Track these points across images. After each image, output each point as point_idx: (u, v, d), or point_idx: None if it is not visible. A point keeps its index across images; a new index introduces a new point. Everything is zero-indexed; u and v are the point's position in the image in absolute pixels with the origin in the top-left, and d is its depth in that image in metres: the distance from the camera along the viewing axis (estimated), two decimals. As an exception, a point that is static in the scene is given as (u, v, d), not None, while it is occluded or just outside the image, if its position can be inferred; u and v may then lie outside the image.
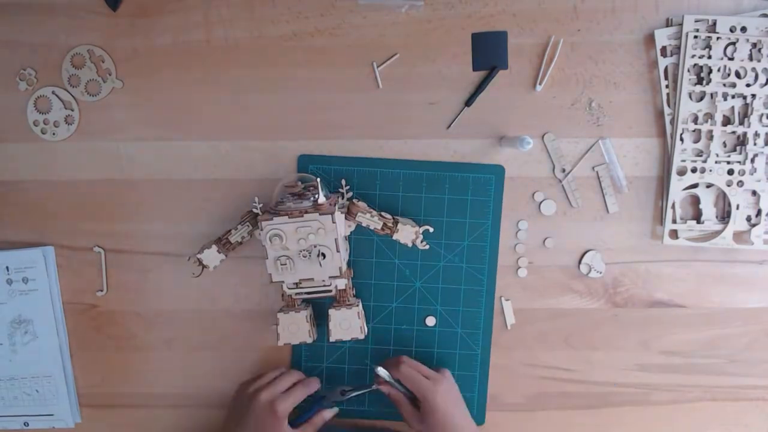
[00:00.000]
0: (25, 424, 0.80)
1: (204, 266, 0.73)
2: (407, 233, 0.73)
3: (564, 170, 0.76)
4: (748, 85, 0.73)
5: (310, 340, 0.73)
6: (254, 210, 0.70)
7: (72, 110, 0.76)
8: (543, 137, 0.75)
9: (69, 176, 0.77)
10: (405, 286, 0.77)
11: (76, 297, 0.78)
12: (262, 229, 0.66)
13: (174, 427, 0.80)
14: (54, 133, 0.76)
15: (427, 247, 0.74)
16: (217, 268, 0.74)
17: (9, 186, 0.77)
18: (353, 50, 0.74)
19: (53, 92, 0.75)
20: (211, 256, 0.73)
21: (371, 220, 0.72)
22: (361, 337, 0.73)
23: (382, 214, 0.73)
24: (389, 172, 0.75)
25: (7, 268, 0.77)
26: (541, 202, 0.76)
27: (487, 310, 0.77)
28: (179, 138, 0.76)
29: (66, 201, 0.77)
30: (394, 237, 0.73)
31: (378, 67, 0.74)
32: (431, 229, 0.74)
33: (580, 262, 0.76)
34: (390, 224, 0.72)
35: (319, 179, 0.68)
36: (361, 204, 0.73)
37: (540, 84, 0.74)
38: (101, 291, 0.78)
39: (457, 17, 0.74)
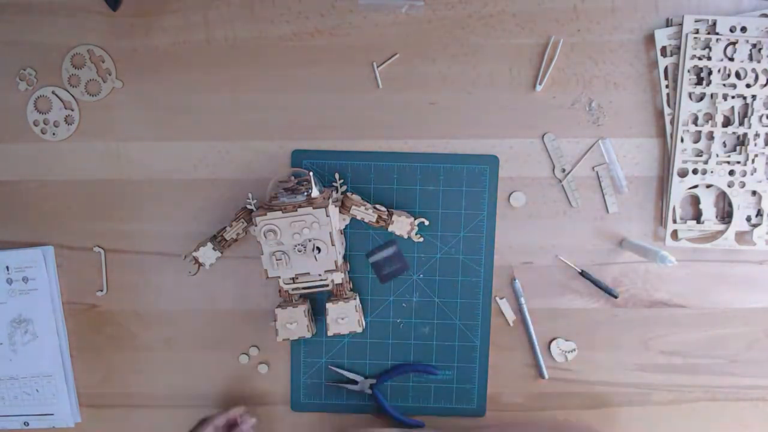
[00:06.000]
0: (25, 424, 0.80)
1: (200, 264, 0.74)
2: (402, 225, 0.73)
3: (564, 170, 0.76)
4: (748, 86, 0.73)
5: (308, 335, 0.73)
6: (248, 206, 0.70)
7: (72, 110, 0.76)
8: (543, 137, 0.75)
9: (69, 176, 0.77)
10: (402, 278, 0.77)
11: (76, 297, 0.78)
12: (256, 225, 0.66)
13: (174, 427, 0.80)
14: (54, 133, 0.76)
15: (422, 239, 0.74)
16: (214, 266, 0.74)
17: (9, 186, 0.77)
18: (353, 50, 0.74)
19: (53, 92, 0.75)
20: (207, 254, 0.73)
21: (366, 213, 0.72)
22: (359, 330, 0.73)
23: (377, 206, 0.73)
24: (383, 165, 0.75)
25: (7, 267, 0.77)
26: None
27: (485, 301, 0.77)
28: (179, 138, 0.76)
29: (66, 201, 0.77)
30: (390, 229, 0.73)
31: (378, 67, 0.74)
32: (426, 222, 0.74)
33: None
34: (384, 216, 0.73)
35: (311, 173, 0.68)
36: (355, 197, 0.73)
37: (540, 84, 0.74)
38: (101, 291, 0.78)
39: (457, 17, 0.74)
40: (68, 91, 0.75)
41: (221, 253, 0.74)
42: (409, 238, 0.74)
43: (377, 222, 0.73)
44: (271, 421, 0.80)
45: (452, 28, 0.74)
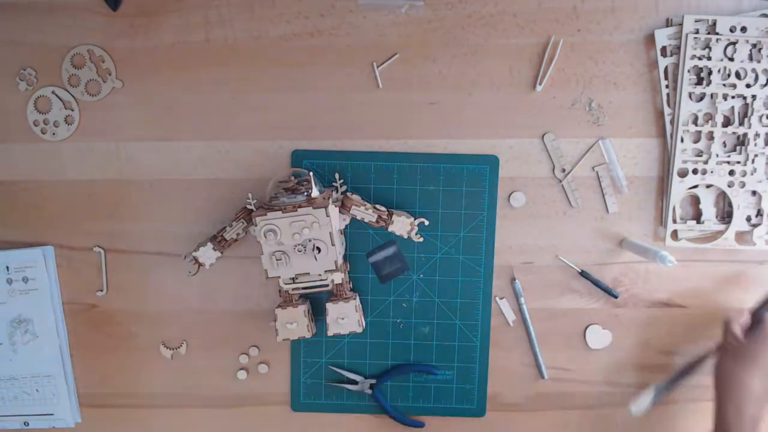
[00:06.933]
0: (25, 424, 0.80)
1: (200, 264, 0.74)
2: (402, 225, 0.73)
3: (564, 170, 0.76)
4: (748, 86, 0.73)
5: (308, 335, 0.73)
6: (248, 206, 0.70)
7: (72, 110, 0.76)
8: (543, 137, 0.75)
9: (69, 176, 0.77)
10: (402, 278, 0.77)
11: (76, 297, 0.78)
12: (256, 225, 0.66)
13: (174, 427, 0.80)
14: (54, 133, 0.76)
15: (422, 239, 0.74)
16: (214, 266, 0.74)
17: (9, 186, 0.77)
18: (353, 50, 0.74)
19: (53, 92, 0.75)
20: (207, 254, 0.73)
21: (366, 213, 0.72)
22: (359, 330, 0.73)
23: (377, 206, 0.73)
24: (383, 165, 0.75)
25: (7, 267, 0.77)
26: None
27: (485, 301, 0.77)
28: (179, 138, 0.76)
29: (66, 201, 0.77)
30: (390, 229, 0.73)
31: (378, 67, 0.74)
32: (426, 222, 0.74)
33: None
34: (384, 217, 0.73)
35: (311, 173, 0.68)
36: (355, 197, 0.73)
37: (540, 84, 0.74)
38: (101, 291, 0.78)
39: (457, 17, 0.74)
40: (68, 91, 0.75)
41: (221, 253, 0.74)
42: (409, 238, 0.74)
43: (377, 222, 0.73)
44: (271, 420, 0.80)
45: (452, 28, 0.74)
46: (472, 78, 0.75)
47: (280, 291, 0.74)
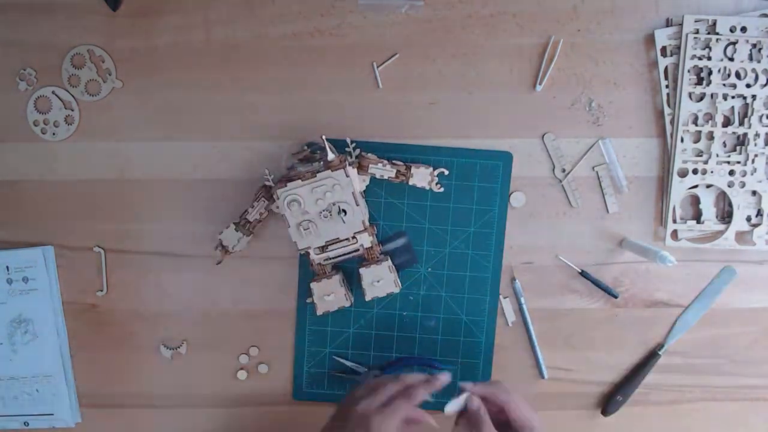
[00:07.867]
0: (25, 424, 0.80)
1: (226, 250, 0.73)
2: (422, 176, 0.72)
3: (564, 170, 0.76)
4: (748, 86, 0.73)
5: (347, 304, 0.73)
6: (266, 183, 0.70)
7: (72, 110, 0.76)
8: (543, 137, 0.75)
9: (69, 176, 0.77)
10: (411, 271, 0.77)
11: (76, 297, 0.78)
12: (278, 198, 0.66)
13: (174, 427, 0.80)
14: (54, 133, 0.76)
15: (442, 189, 0.74)
16: (214, 266, 0.74)
17: (9, 186, 0.77)
18: (353, 50, 0.74)
19: (53, 92, 0.75)
20: (230, 236, 0.72)
21: (384, 169, 0.72)
22: (397, 290, 0.73)
23: (394, 161, 0.72)
24: (395, 157, 0.75)
25: (7, 267, 0.77)
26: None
27: (492, 297, 0.77)
28: (179, 138, 0.76)
29: (66, 201, 0.77)
30: (410, 182, 0.72)
31: (378, 67, 0.74)
32: (446, 171, 0.73)
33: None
34: (403, 170, 0.72)
35: (323, 136, 0.67)
36: (371, 155, 0.72)
37: (540, 84, 0.74)
38: (101, 291, 0.78)
39: (457, 17, 0.74)
40: (68, 91, 0.75)
41: (248, 236, 0.73)
42: (430, 189, 0.73)
43: (397, 177, 0.72)
44: (273, 414, 0.80)
45: (452, 28, 0.74)
46: (472, 78, 0.75)
47: (311, 265, 0.72)
